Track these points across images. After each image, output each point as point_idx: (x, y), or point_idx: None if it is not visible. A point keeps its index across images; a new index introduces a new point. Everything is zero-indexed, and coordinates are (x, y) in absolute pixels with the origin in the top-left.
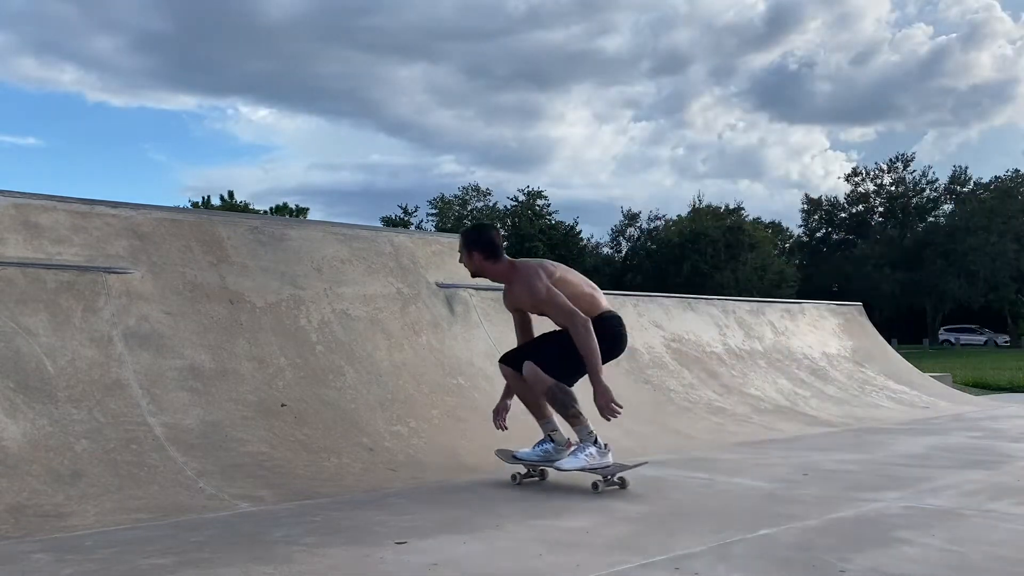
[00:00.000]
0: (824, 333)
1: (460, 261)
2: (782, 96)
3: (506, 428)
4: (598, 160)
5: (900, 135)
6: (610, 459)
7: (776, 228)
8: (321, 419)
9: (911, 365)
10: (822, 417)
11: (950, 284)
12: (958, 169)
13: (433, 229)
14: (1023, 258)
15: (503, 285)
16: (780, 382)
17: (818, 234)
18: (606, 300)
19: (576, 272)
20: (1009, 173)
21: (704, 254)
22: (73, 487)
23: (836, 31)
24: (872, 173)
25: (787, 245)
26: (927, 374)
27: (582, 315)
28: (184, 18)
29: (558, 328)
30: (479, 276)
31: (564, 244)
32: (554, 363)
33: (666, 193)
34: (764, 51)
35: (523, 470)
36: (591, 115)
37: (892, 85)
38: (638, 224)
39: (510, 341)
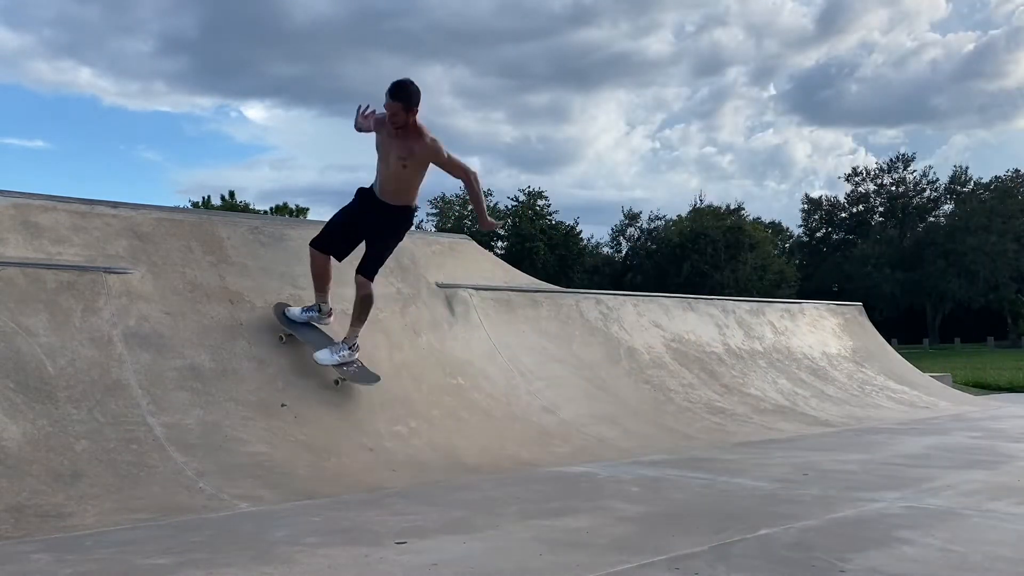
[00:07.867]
0: (824, 333)
1: (393, 116)
2: (815, 99)
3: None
4: (625, 162)
5: (929, 137)
6: (357, 356)
7: (776, 228)
8: (321, 419)
9: (911, 365)
10: (822, 417)
11: (950, 284)
12: (958, 169)
13: (433, 229)
14: (1023, 258)
15: (389, 131)
16: (780, 382)
17: (818, 234)
18: None
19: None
20: (1009, 173)
21: (704, 254)
22: (73, 487)
23: (878, 35)
24: (872, 173)
25: (787, 245)
26: (927, 374)
27: (473, 169)
28: (205, 21)
29: (384, 226)
30: (401, 127)
31: (564, 244)
32: (375, 265)
33: (690, 196)
34: (802, 54)
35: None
36: (621, 117)
37: (926, 88)
38: (638, 224)
39: (510, 341)
